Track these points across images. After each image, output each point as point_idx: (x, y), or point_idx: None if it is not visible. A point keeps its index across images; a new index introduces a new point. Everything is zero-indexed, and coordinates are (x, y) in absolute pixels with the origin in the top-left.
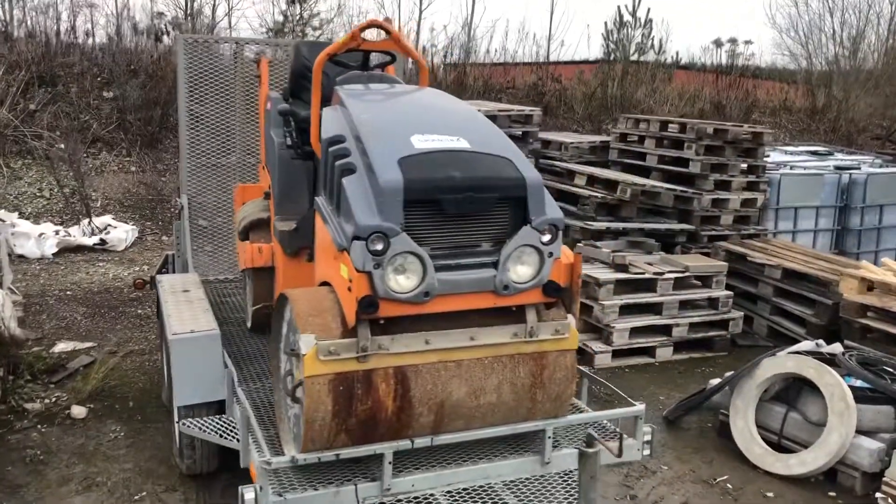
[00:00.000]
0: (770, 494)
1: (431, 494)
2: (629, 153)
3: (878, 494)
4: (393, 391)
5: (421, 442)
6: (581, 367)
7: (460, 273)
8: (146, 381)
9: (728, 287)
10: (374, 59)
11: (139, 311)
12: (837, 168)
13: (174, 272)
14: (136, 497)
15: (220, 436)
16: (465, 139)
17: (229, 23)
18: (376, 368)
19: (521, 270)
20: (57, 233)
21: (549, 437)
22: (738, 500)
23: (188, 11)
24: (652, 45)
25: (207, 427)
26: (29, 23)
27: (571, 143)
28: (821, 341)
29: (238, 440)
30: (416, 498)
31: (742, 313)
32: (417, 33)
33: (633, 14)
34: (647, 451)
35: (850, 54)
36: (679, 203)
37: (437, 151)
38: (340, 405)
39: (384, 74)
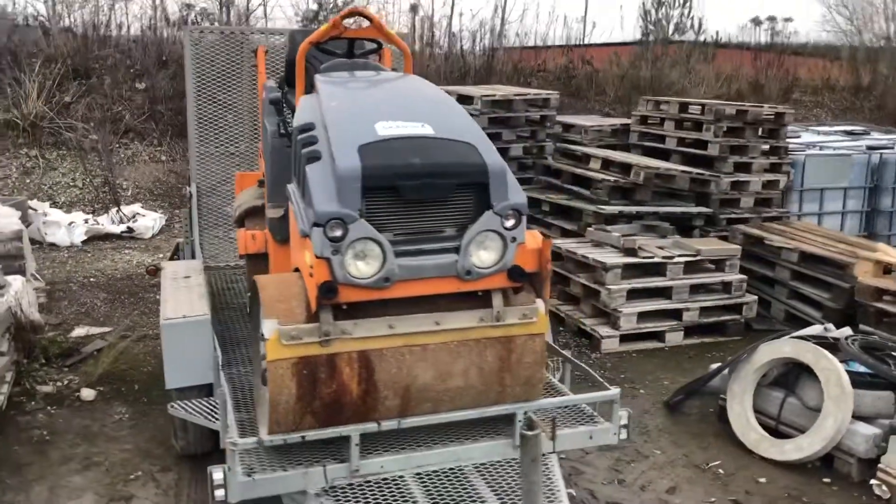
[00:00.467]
0: (763, 480)
1: (401, 477)
2: (650, 136)
3: (872, 481)
4: (357, 375)
5: (388, 424)
6: (564, 352)
7: (422, 258)
8: (155, 365)
9: (746, 270)
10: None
11: (157, 297)
12: (869, 148)
13: (185, 259)
14: (131, 476)
15: (205, 418)
16: (430, 125)
17: (264, 12)
18: (340, 353)
19: (483, 255)
20: (86, 221)
21: (520, 421)
22: (729, 485)
23: (223, 1)
24: (692, 25)
25: (194, 409)
26: (67, 18)
27: (592, 126)
28: (830, 325)
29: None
30: (385, 480)
31: (756, 297)
32: (450, 18)
33: None
34: (623, 436)
35: None
36: (697, 186)
37: (398, 138)
38: (304, 389)
39: (367, 62)
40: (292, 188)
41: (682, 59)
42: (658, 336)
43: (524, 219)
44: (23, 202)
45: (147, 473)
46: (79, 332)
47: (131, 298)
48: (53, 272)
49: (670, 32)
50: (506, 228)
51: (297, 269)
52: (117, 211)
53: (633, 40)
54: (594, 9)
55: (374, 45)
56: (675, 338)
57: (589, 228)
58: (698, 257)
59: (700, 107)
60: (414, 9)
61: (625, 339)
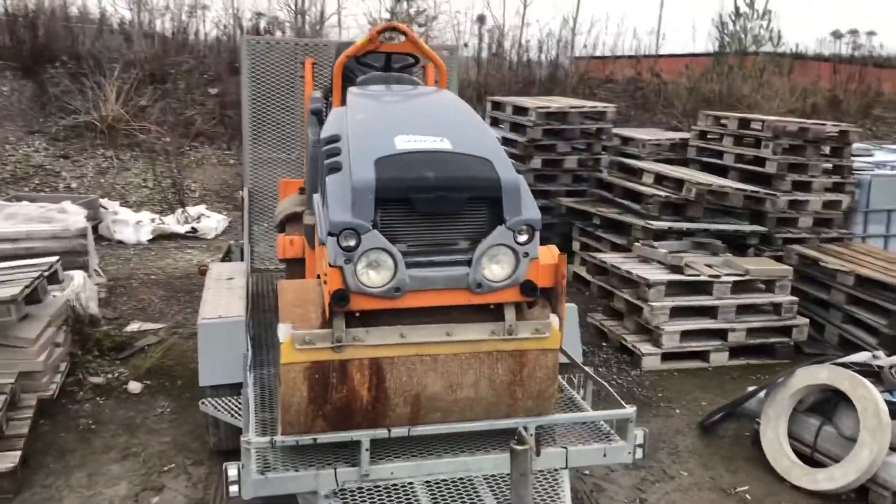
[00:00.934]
0: None
1: (410, 484)
2: (708, 151)
3: None
4: (368, 381)
5: (398, 431)
6: (586, 368)
7: (434, 270)
8: None
9: (800, 292)
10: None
11: None
12: None
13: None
14: (165, 468)
15: (232, 415)
16: (448, 140)
17: (339, 21)
18: (352, 359)
19: (495, 269)
20: (153, 220)
21: (532, 435)
22: None
23: (297, 10)
24: (770, 38)
25: (222, 407)
26: (147, 24)
27: (650, 140)
28: (880, 353)
29: None
30: (394, 485)
31: (807, 320)
32: (521, 29)
33: (751, 5)
34: (638, 455)
35: None
36: (752, 204)
37: (415, 152)
38: (316, 392)
39: (402, 76)
40: (316, 197)
41: (755, 72)
42: (702, 356)
43: (537, 234)
44: (94, 200)
45: (180, 466)
46: (133, 326)
47: (187, 296)
48: (117, 269)
49: (748, 44)
50: (518, 243)
51: (319, 276)
52: (183, 211)
53: (705, 52)
54: (666, 22)
55: (411, 60)
56: (720, 358)
57: (636, 244)
58: (747, 277)
59: (761, 123)
60: (481, 19)
61: (667, 357)
